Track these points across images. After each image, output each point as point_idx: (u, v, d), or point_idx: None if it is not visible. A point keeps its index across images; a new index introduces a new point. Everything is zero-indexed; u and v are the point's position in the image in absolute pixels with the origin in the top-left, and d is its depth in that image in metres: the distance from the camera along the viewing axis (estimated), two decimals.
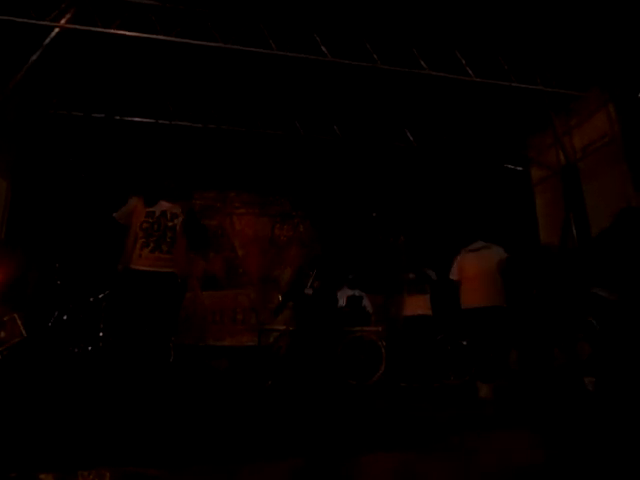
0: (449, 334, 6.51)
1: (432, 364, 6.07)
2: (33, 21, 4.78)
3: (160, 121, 6.71)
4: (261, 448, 2.35)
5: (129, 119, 6.71)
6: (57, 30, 5.01)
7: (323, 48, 5.50)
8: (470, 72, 5.77)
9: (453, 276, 5.03)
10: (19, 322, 5.11)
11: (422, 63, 5.67)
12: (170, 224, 3.06)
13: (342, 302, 6.63)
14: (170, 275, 3.02)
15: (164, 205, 3.14)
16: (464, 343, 6.38)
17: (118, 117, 6.61)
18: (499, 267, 4.74)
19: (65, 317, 5.64)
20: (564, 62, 6.00)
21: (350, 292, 6.68)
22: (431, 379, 5.88)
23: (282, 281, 8.24)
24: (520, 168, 8.21)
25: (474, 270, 4.80)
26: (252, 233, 8.36)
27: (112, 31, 4.99)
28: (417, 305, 6.20)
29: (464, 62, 5.75)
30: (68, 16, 4.91)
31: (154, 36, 5.14)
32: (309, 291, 5.78)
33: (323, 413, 3.68)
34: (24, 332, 5.12)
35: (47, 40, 5.06)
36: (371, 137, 7.37)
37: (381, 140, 7.41)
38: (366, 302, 6.65)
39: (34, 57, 5.18)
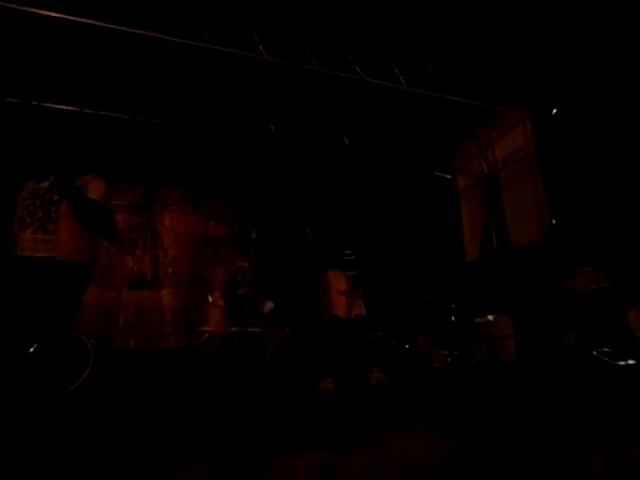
0: (380, 334, 6.71)
1: (363, 364, 6.22)
2: None
3: (85, 110, 6.28)
4: (177, 452, 2.27)
5: (49, 106, 6.23)
6: None
7: (260, 47, 5.46)
8: (402, 81, 5.99)
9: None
10: None
11: (357, 69, 5.81)
12: (56, 198, 2.63)
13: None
14: (57, 261, 2.56)
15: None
16: (392, 342, 6.61)
17: (36, 103, 6.11)
18: None
19: None
20: (488, 77, 6.41)
21: None
22: (361, 379, 6.02)
23: (216, 280, 8.04)
24: (449, 176, 8.66)
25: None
26: (183, 231, 8.07)
27: (28, 9, 4.60)
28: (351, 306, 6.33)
29: (397, 71, 5.97)
30: None
31: (79, 19, 4.81)
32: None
33: (247, 415, 3.64)
34: None
35: None
36: (307, 138, 7.41)
37: (317, 141, 7.48)
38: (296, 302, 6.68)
39: None
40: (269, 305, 6.50)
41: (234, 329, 5.96)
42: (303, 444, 2.44)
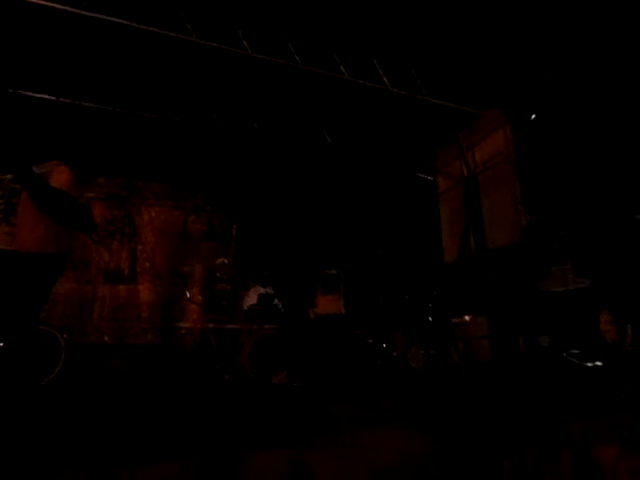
0: (358, 332, 6.75)
1: (341, 362, 6.24)
2: None
3: (61, 99, 6.12)
4: (149, 449, 2.24)
5: (26, 94, 6.05)
6: None
7: (244, 43, 5.42)
8: (386, 82, 6.02)
9: None
10: None
11: (342, 69, 5.82)
12: (18, 187, 2.49)
13: (254, 300, 6.58)
14: (19, 253, 2.44)
15: None
16: (370, 341, 6.65)
17: (11, 90, 5.93)
18: None
19: None
20: (470, 81, 6.49)
21: (262, 290, 6.65)
22: (339, 376, 6.04)
23: (194, 276, 7.94)
24: (430, 178, 8.75)
25: None
26: (162, 225, 7.94)
27: None
28: (330, 304, 6.34)
29: (381, 72, 6.00)
30: None
31: (58, 5, 4.68)
32: None
33: (221, 412, 3.62)
34: None
35: None
36: (290, 136, 7.38)
37: (300, 139, 7.46)
38: (278, 300, 6.66)
39: None
40: (257, 293, 6.46)
41: (211, 326, 5.90)
42: (278, 441, 2.43)
